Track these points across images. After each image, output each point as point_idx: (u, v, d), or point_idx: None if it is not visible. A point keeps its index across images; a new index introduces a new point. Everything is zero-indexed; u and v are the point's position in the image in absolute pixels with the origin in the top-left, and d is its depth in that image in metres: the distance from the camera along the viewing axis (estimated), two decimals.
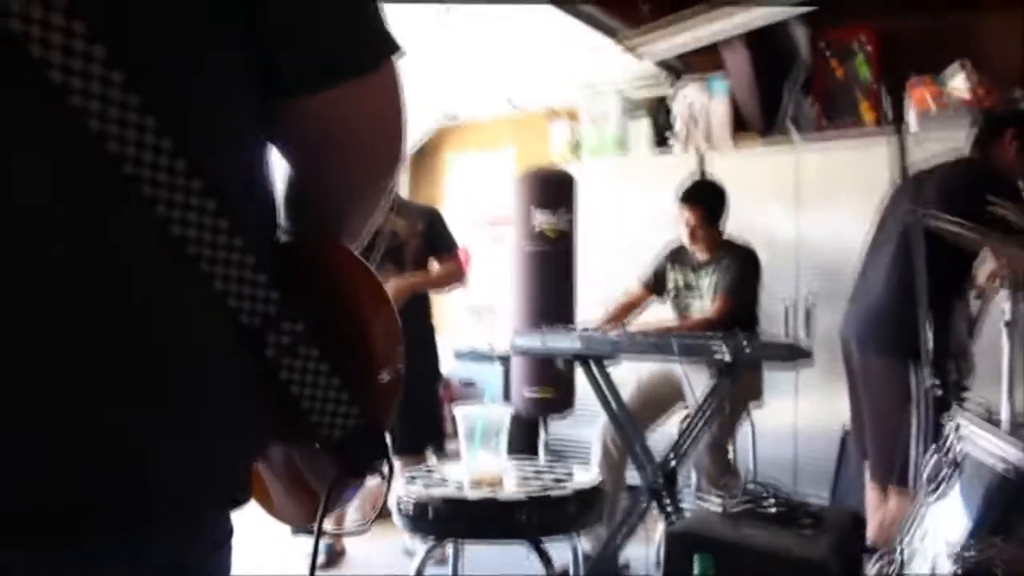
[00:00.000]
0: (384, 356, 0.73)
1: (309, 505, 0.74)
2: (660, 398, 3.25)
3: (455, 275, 3.46)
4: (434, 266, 3.43)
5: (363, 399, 0.69)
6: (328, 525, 0.76)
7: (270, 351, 0.64)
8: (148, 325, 0.58)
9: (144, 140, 0.56)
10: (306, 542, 3.39)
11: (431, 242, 3.39)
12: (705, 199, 3.27)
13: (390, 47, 0.70)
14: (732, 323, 3.05)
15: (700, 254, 3.29)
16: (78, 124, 0.54)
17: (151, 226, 0.58)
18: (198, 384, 0.61)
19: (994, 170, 2.48)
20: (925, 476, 1.64)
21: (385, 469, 0.72)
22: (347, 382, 0.67)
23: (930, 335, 2.17)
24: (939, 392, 2.12)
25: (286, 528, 3.47)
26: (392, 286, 3.18)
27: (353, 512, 3.65)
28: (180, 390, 0.60)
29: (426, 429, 3.37)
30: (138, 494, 0.58)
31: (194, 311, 0.61)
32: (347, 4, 0.67)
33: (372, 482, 0.74)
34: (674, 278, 3.38)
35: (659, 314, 3.42)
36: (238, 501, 0.67)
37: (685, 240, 3.30)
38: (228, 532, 0.68)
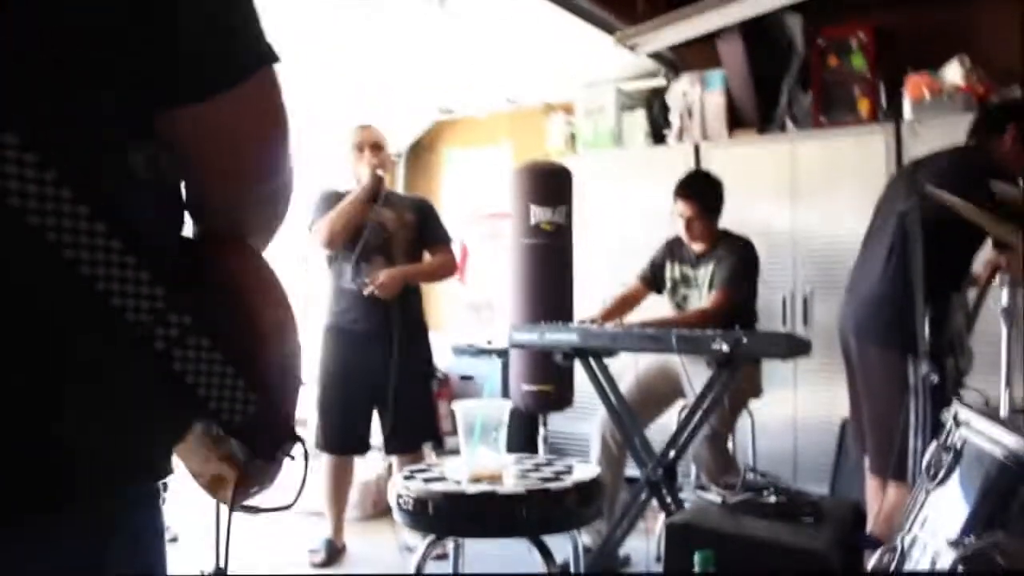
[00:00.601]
0: (278, 345, 0.77)
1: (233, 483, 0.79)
2: (658, 392, 3.25)
3: (447, 266, 3.44)
4: (426, 258, 3.42)
5: (262, 386, 0.73)
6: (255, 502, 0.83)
7: (159, 343, 0.67)
8: (40, 329, 0.62)
9: (5, 155, 0.57)
10: (302, 538, 3.39)
11: (422, 234, 3.37)
12: (701, 192, 3.26)
13: (263, 57, 0.72)
14: (730, 316, 3.05)
15: (697, 247, 3.29)
16: None
17: (27, 236, 0.59)
18: (104, 379, 0.65)
19: (993, 160, 2.47)
20: (925, 465, 1.64)
21: (297, 451, 0.78)
22: (242, 370, 0.71)
23: (927, 326, 2.16)
24: (935, 380, 2.11)
25: (279, 525, 3.45)
26: (382, 275, 3.17)
27: (352, 508, 3.65)
28: (86, 386, 0.64)
29: (421, 425, 3.36)
30: (61, 480, 0.63)
31: (84, 313, 0.64)
32: (220, 17, 0.69)
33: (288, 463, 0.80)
34: (671, 272, 3.37)
35: (658, 309, 3.41)
36: (158, 477, 0.72)
37: (682, 233, 3.29)
38: (151, 493, 0.73)
